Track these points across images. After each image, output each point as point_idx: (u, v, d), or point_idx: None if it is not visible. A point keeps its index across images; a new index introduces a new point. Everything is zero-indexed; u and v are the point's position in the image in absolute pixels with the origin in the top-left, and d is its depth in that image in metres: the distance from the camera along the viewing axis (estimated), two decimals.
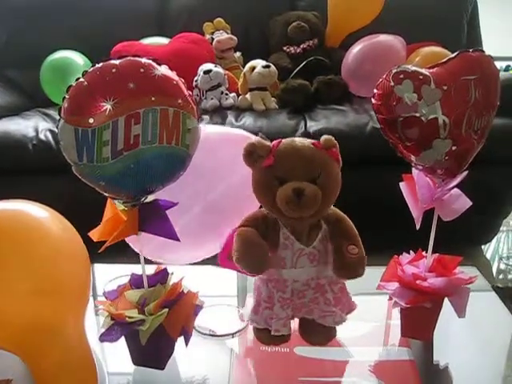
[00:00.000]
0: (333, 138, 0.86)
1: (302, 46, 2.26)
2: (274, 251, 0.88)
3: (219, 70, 2.00)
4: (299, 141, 0.85)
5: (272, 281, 0.90)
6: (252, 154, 0.85)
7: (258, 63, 2.01)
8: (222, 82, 2.00)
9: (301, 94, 1.98)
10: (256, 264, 0.85)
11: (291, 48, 2.27)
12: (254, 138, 0.88)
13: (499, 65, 3.17)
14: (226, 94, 2.00)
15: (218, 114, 1.89)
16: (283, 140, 0.86)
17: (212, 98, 1.97)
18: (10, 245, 0.77)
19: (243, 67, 2.13)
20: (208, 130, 1.05)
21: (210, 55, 2.20)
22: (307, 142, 0.86)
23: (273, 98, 2.04)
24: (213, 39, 2.30)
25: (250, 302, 0.97)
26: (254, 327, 0.95)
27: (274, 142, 0.86)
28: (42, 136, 1.79)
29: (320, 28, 2.33)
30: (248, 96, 2.02)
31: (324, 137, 0.86)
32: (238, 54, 2.35)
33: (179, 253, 1.05)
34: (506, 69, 3.23)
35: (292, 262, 0.88)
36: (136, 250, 0.95)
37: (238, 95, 2.04)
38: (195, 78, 2.00)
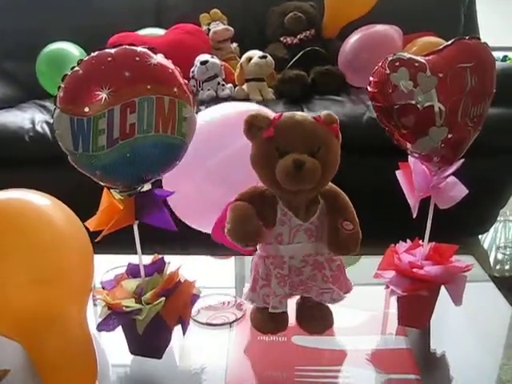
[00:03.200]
0: (333, 114, 0.86)
1: (298, 37, 2.26)
2: (272, 227, 0.88)
3: (216, 60, 2.00)
4: (300, 114, 0.85)
5: (269, 257, 0.90)
6: (252, 126, 0.85)
7: (255, 54, 2.01)
8: (218, 72, 2.00)
9: (298, 85, 1.98)
10: (244, 237, 0.84)
11: (288, 38, 2.27)
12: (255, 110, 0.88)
13: (496, 55, 3.16)
14: (223, 85, 2.00)
15: (215, 104, 1.88)
16: (284, 113, 0.86)
17: (209, 89, 1.97)
18: (12, 233, 0.77)
19: (240, 58, 2.13)
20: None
21: (206, 46, 2.20)
22: (308, 116, 0.85)
23: (270, 89, 2.04)
24: (209, 30, 2.29)
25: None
26: (251, 316, 0.95)
27: (275, 114, 0.85)
28: (38, 128, 1.79)
29: (317, 18, 2.33)
30: (245, 87, 2.02)
31: (324, 112, 0.85)
32: (234, 44, 2.35)
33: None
34: (503, 59, 3.23)
35: (289, 238, 0.88)
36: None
37: (235, 86, 2.04)
38: (192, 69, 2.00)
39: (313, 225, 0.88)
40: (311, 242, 0.89)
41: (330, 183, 0.90)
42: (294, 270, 0.90)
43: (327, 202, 0.89)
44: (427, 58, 0.85)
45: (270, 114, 0.88)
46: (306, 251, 0.89)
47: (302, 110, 1.82)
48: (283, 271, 0.89)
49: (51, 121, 1.80)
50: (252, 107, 1.22)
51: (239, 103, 1.34)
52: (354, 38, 2.09)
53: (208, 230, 1.08)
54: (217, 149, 1.09)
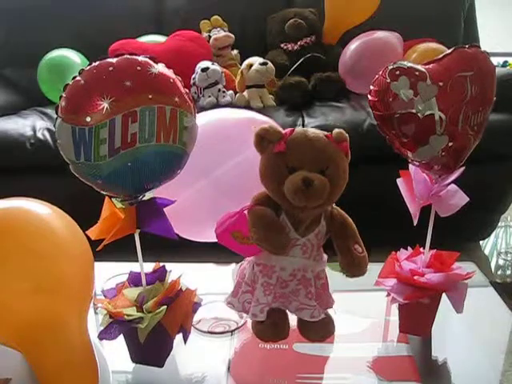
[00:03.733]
0: (344, 132, 0.86)
1: (299, 43, 2.26)
2: None
3: (216, 67, 2.00)
4: (312, 131, 0.85)
5: (259, 265, 0.90)
6: (263, 140, 0.85)
7: (256, 60, 2.01)
8: (219, 79, 2.00)
9: (298, 91, 1.98)
10: (280, 243, 0.85)
11: (288, 45, 2.27)
12: (267, 124, 0.88)
13: (496, 61, 3.17)
14: (224, 92, 2.00)
15: None
16: (296, 129, 0.86)
17: (209, 96, 1.97)
18: (12, 242, 0.77)
19: (240, 65, 2.13)
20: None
21: (207, 53, 2.20)
22: (320, 133, 0.86)
23: (270, 96, 2.04)
24: (210, 37, 2.30)
25: None
26: (252, 324, 0.95)
27: (287, 129, 0.86)
28: (39, 135, 1.79)
29: (317, 25, 2.33)
30: (245, 93, 2.02)
31: (336, 130, 0.86)
32: (235, 51, 2.35)
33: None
34: (504, 64, 3.23)
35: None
36: None
37: (236, 93, 2.04)
38: (192, 76, 2.00)
39: (309, 242, 0.89)
40: (304, 258, 0.89)
41: (338, 208, 0.91)
42: (281, 281, 0.90)
43: (334, 225, 0.90)
44: (427, 66, 0.86)
45: (280, 128, 0.88)
46: (297, 266, 0.89)
47: (303, 117, 1.82)
48: (271, 280, 0.90)
49: (52, 128, 1.80)
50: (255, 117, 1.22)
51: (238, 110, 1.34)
52: (354, 45, 2.09)
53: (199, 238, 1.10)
54: (220, 160, 1.09)
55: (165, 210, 0.87)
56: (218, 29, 2.33)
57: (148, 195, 0.86)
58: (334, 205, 0.91)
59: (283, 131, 0.86)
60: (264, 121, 1.16)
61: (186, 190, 1.05)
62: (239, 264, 0.98)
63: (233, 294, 0.95)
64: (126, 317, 0.85)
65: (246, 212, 0.88)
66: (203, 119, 1.15)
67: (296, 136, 0.84)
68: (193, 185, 1.06)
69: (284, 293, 0.91)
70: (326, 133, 0.86)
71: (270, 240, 0.84)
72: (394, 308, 1.02)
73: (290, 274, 0.90)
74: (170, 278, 0.95)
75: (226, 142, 1.10)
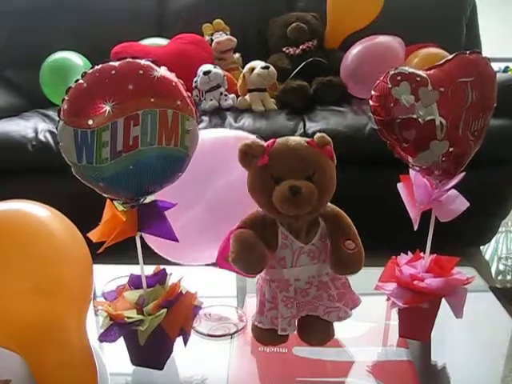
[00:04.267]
0: (326, 136, 0.86)
1: (301, 47, 2.26)
2: (274, 251, 0.89)
3: (218, 71, 2.01)
4: (293, 139, 0.86)
5: (274, 281, 0.91)
6: (247, 155, 0.86)
7: (257, 64, 2.02)
8: (221, 83, 2.00)
9: (300, 95, 1.99)
10: (252, 265, 0.85)
11: (290, 49, 2.28)
12: (249, 139, 0.89)
13: (498, 66, 3.18)
14: (226, 95, 2.00)
15: (217, 115, 1.90)
16: (277, 139, 0.86)
17: (211, 99, 1.97)
18: (11, 244, 0.77)
19: (242, 68, 2.14)
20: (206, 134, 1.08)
21: (209, 56, 2.21)
22: (301, 140, 0.86)
23: (272, 99, 2.05)
24: (212, 40, 2.31)
25: (249, 302, 0.97)
26: (252, 327, 0.95)
27: (268, 141, 0.86)
28: (41, 137, 1.79)
29: (319, 29, 2.34)
30: (247, 97, 2.02)
31: (317, 134, 0.86)
32: (237, 55, 2.36)
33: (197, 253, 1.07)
34: (505, 70, 3.24)
35: (292, 261, 0.89)
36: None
37: (237, 96, 2.05)
38: (194, 79, 2.01)
39: (314, 246, 0.89)
40: (314, 264, 0.89)
41: (332, 204, 0.91)
42: (300, 291, 0.90)
43: (328, 223, 0.90)
44: (428, 72, 0.86)
45: (263, 142, 0.88)
46: (310, 273, 0.90)
47: (304, 121, 1.83)
48: (289, 293, 0.90)
49: (54, 130, 1.79)
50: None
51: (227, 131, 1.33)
52: (356, 49, 2.10)
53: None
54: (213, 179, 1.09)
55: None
56: (220, 32, 2.34)
57: (149, 198, 0.86)
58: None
59: (265, 144, 0.86)
60: (247, 137, 1.16)
61: (181, 216, 1.04)
62: (256, 279, 0.97)
63: (259, 313, 0.94)
64: (126, 319, 0.86)
65: None
66: None
67: (277, 147, 0.85)
68: (187, 210, 1.05)
69: (308, 300, 0.91)
70: (307, 139, 0.86)
71: (242, 259, 0.85)
72: (394, 312, 1.02)
73: (306, 282, 0.90)
74: (171, 280, 0.95)
75: (213, 162, 1.09)
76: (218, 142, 1.16)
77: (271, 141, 0.86)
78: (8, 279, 0.76)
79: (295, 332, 0.94)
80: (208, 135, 1.14)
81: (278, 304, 0.91)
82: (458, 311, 0.95)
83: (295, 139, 0.86)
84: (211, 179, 1.06)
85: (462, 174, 0.91)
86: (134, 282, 0.95)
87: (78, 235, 0.87)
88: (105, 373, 0.93)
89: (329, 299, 0.91)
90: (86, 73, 0.78)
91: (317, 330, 0.93)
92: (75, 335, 0.82)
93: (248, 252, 0.85)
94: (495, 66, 0.89)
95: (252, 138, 1.10)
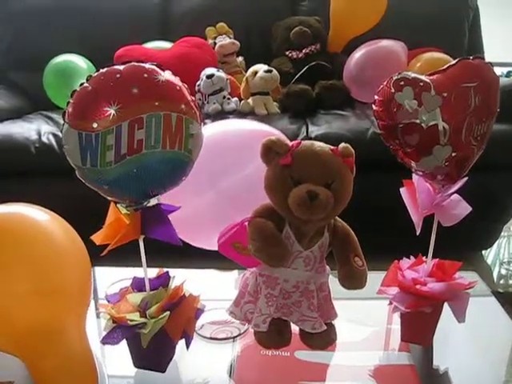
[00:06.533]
0: (351, 148, 0.86)
1: (304, 51, 2.27)
2: None
3: (222, 74, 2.01)
4: (318, 145, 0.85)
5: (263, 276, 0.91)
6: (270, 151, 0.85)
7: (260, 68, 2.02)
8: (224, 86, 2.01)
9: (302, 99, 1.99)
10: (277, 256, 0.85)
11: (293, 53, 2.28)
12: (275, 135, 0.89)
13: (501, 71, 3.17)
14: (228, 99, 2.01)
15: (220, 118, 1.89)
16: (303, 141, 0.86)
17: (214, 103, 1.98)
18: (10, 247, 0.77)
19: (245, 72, 2.14)
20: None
21: (212, 60, 2.21)
22: (326, 147, 0.86)
23: (275, 103, 2.05)
24: (215, 44, 2.31)
25: None
26: (254, 331, 0.95)
27: (294, 142, 0.86)
28: (44, 139, 1.80)
29: (322, 33, 2.34)
30: (250, 100, 2.03)
31: (343, 144, 0.86)
32: (240, 58, 2.36)
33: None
34: (508, 74, 3.24)
35: (288, 262, 0.89)
36: None
37: (240, 100, 2.05)
38: (198, 83, 2.01)
39: (312, 254, 0.89)
40: (306, 271, 0.90)
41: (341, 220, 0.91)
42: (284, 292, 0.91)
43: (337, 238, 0.90)
44: (431, 77, 0.86)
45: (288, 141, 0.89)
46: (300, 278, 0.90)
47: (307, 125, 1.83)
48: (274, 292, 0.90)
49: (57, 132, 1.81)
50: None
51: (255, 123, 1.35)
52: (359, 53, 2.10)
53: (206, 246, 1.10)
54: (228, 170, 1.10)
55: (170, 215, 0.87)
56: (224, 36, 2.34)
57: (153, 201, 0.87)
58: (337, 217, 0.91)
59: (289, 143, 0.86)
60: (272, 132, 1.17)
61: (193, 199, 1.05)
62: (241, 274, 0.98)
63: (235, 304, 0.95)
64: (129, 322, 0.86)
65: (246, 224, 0.88)
66: (216, 128, 1.17)
67: (302, 149, 0.85)
68: (200, 194, 1.06)
69: (286, 303, 0.91)
70: (332, 147, 0.86)
71: (267, 252, 0.85)
72: (396, 317, 1.02)
73: (293, 285, 0.90)
74: (174, 283, 0.95)
75: (235, 153, 1.11)
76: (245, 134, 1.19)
77: (296, 142, 0.86)
78: (7, 283, 0.76)
79: (297, 335, 0.94)
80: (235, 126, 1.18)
81: (258, 299, 0.91)
82: (460, 315, 0.95)
83: (321, 145, 0.85)
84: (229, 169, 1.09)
85: (465, 179, 0.92)
86: (137, 285, 0.95)
87: (77, 238, 0.87)
88: (104, 377, 0.93)
89: (309, 308, 0.91)
90: (90, 76, 0.79)
91: (319, 334, 0.93)
92: (75, 338, 0.82)
93: (274, 245, 0.85)
94: (497, 70, 0.89)
95: (277, 134, 1.11)
